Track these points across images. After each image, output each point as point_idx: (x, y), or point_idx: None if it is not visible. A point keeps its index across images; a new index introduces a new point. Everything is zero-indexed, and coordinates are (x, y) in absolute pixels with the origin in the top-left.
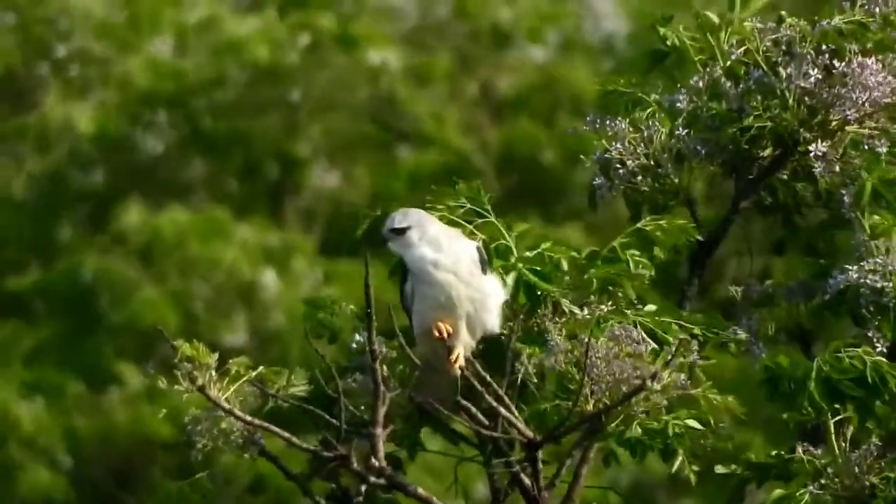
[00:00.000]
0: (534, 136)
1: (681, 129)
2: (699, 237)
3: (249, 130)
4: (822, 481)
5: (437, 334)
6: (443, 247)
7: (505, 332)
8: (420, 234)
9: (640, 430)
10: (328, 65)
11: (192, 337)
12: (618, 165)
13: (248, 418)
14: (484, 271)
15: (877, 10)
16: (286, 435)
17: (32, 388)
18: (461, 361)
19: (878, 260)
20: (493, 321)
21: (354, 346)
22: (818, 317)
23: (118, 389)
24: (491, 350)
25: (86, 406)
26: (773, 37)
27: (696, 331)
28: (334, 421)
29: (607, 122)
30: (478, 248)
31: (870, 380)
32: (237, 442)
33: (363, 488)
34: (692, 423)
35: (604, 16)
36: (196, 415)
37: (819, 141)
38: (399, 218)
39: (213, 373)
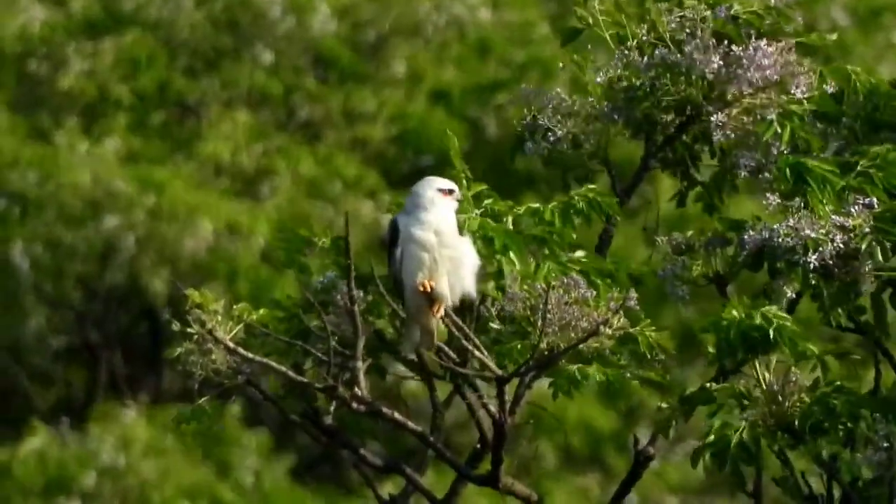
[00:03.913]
0: None
1: (598, 101)
2: (617, 213)
3: None
4: (751, 408)
5: (420, 289)
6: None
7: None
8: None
9: (577, 371)
10: None
11: None
12: (548, 133)
13: (251, 356)
14: (460, 233)
15: (772, 1)
16: (283, 369)
17: None
18: (441, 312)
19: (789, 223)
20: (469, 281)
21: (320, 285)
22: (732, 266)
23: None
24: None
25: None
26: (679, 15)
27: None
28: (317, 353)
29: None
30: (455, 214)
31: (772, 338)
32: (227, 372)
33: (332, 409)
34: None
35: None
36: (189, 348)
37: (719, 112)
38: (445, 183)
39: (220, 317)
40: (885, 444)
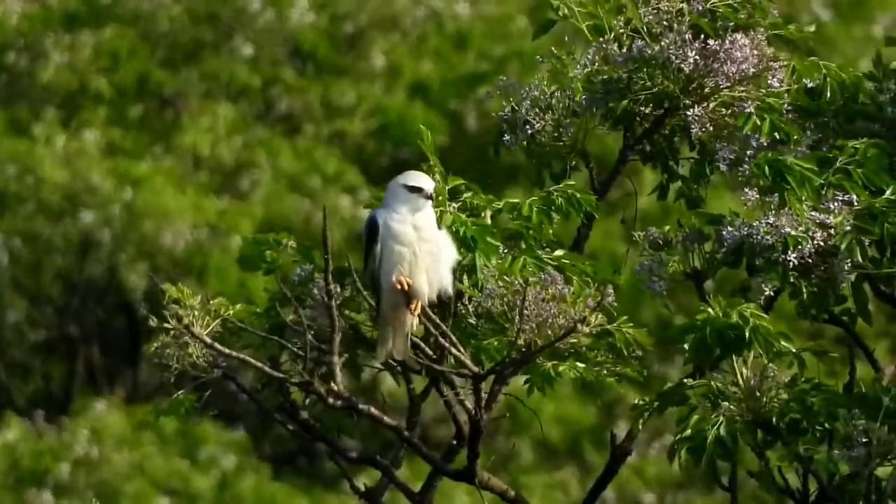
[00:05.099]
0: None
1: (576, 94)
2: (595, 210)
3: None
4: (728, 404)
5: (398, 287)
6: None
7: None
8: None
9: (552, 368)
10: None
11: None
12: (526, 126)
13: (227, 351)
14: (439, 227)
15: None
16: (259, 364)
17: None
18: (419, 310)
19: (769, 220)
20: (447, 277)
21: (296, 279)
22: (710, 262)
23: None
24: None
25: None
26: (655, 8)
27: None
28: (293, 348)
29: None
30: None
31: (746, 337)
32: (202, 365)
33: (307, 403)
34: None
35: None
36: (166, 342)
37: (696, 105)
38: (426, 181)
39: (196, 312)
40: (864, 440)
